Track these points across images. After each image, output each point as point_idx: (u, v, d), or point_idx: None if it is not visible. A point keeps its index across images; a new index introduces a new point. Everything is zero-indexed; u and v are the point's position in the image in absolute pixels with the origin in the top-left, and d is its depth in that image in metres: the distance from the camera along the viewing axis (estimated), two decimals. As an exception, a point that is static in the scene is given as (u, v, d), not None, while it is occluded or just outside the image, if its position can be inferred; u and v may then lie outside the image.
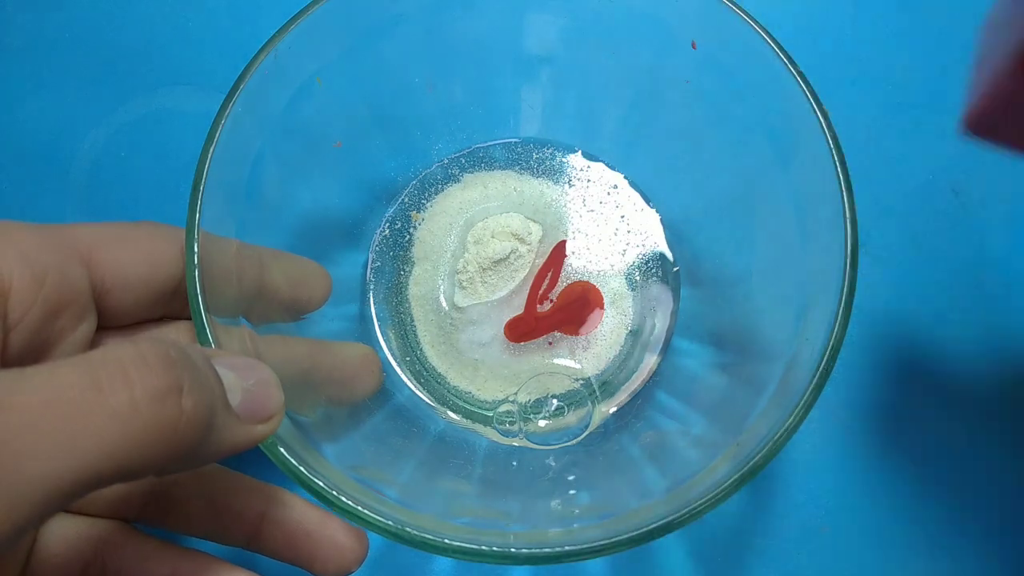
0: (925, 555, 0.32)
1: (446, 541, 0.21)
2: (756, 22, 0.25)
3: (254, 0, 0.39)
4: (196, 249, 0.22)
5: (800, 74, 0.25)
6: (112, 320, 0.25)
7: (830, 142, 0.24)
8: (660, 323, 0.33)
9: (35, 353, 0.23)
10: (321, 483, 0.21)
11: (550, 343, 0.32)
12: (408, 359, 0.33)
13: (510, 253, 0.33)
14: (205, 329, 0.22)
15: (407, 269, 0.34)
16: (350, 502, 0.21)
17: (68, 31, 0.38)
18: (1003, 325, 0.34)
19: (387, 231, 0.35)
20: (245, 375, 0.20)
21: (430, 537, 0.21)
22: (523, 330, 0.32)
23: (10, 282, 0.22)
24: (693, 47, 0.28)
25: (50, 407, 0.16)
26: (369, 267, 0.34)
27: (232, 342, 0.23)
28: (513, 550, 0.21)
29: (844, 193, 0.23)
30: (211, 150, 0.24)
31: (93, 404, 0.16)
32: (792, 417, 0.22)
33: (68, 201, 0.36)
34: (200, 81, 0.38)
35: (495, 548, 0.20)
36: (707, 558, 0.32)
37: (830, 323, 0.23)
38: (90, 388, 0.16)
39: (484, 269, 0.33)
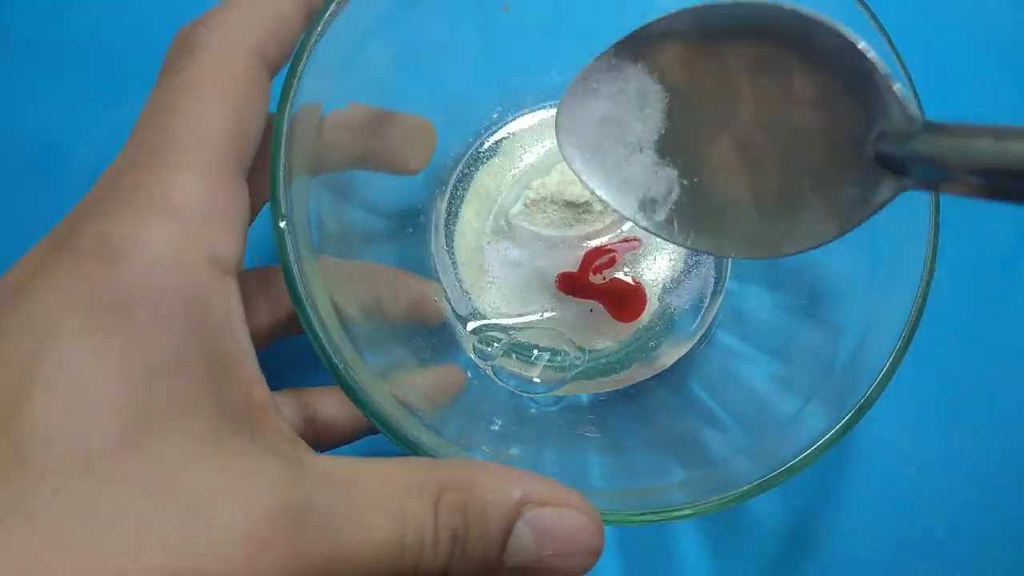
0: (926, 554, 0.33)
1: (363, 389, 0.21)
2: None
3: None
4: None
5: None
6: None
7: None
8: (668, 355, 0.32)
9: None
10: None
11: (591, 310, 0.33)
12: (442, 230, 0.34)
13: (585, 203, 0.33)
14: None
15: (488, 154, 0.34)
16: None
17: (66, 30, 0.38)
18: (1004, 325, 0.35)
19: (494, 116, 0.34)
20: (549, 542, 0.19)
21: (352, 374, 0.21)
22: (574, 287, 0.32)
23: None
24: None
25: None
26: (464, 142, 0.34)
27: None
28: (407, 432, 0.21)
29: None
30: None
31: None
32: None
33: (67, 200, 0.36)
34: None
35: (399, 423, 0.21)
36: (706, 558, 0.33)
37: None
38: (396, 549, 0.17)
39: (554, 201, 0.33)
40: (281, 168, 0.21)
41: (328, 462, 0.18)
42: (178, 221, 0.18)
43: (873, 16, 0.24)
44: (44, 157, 0.37)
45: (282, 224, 0.21)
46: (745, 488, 0.21)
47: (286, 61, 0.22)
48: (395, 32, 0.26)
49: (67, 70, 0.37)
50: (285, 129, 0.21)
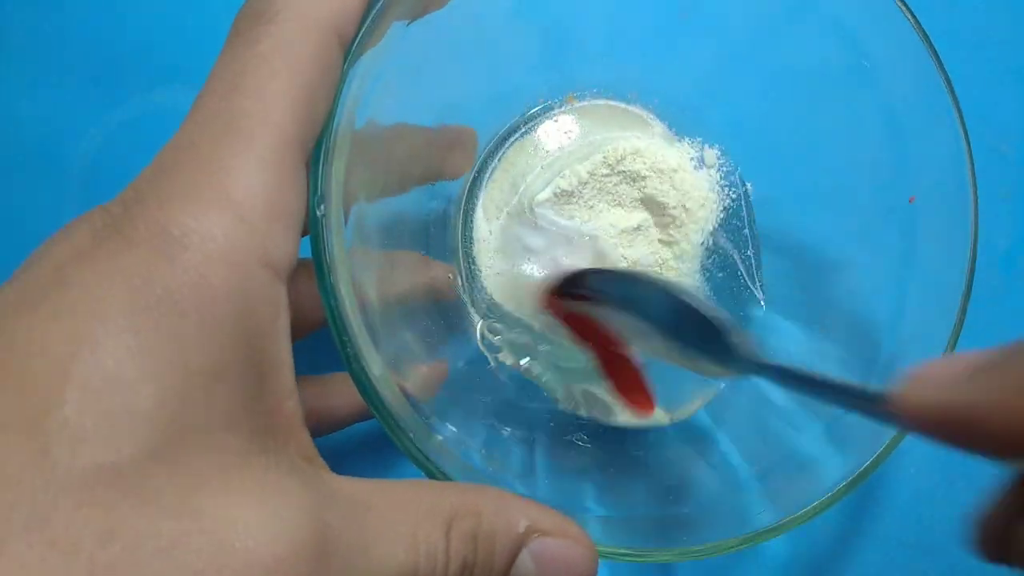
0: (926, 555, 0.33)
1: (369, 374, 0.21)
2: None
3: (252, -2, 0.35)
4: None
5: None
6: None
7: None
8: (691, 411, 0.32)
9: None
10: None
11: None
12: (462, 203, 0.33)
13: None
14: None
15: (524, 137, 0.33)
16: None
17: (66, 30, 0.37)
18: (1005, 326, 0.35)
19: (540, 104, 0.33)
20: (550, 572, 0.19)
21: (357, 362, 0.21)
22: (552, 307, 0.29)
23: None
24: (911, 201, 0.26)
25: None
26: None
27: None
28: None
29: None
30: None
31: None
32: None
33: (65, 199, 0.36)
34: (197, 80, 0.35)
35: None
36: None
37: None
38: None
39: (585, 183, 0.31)
40: (322, 154, 0.20)
41: (344, 484, 0.18)
42: (237, 216, 0.17)
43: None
44: (43, 156, 0.37)
45: (319, 212, 0.20)
46: (739, 539, 0.21)
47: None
48: (454, 13, 0.25)
49: (67, 70, 0.37)
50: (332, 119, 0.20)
